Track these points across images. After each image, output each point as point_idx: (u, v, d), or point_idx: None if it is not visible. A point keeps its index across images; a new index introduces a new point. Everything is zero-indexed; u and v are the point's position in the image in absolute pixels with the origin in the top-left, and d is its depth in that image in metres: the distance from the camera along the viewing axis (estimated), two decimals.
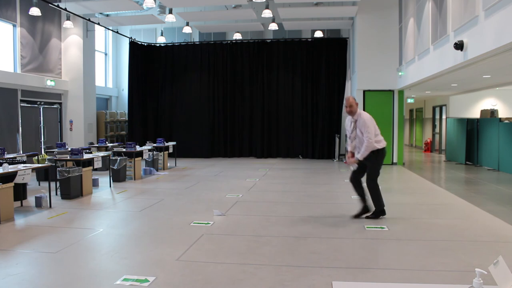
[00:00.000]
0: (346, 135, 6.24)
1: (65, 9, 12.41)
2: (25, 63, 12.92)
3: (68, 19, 13.49)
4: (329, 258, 4.44)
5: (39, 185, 9.52)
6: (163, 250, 4.72)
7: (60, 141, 14.00)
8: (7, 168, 6.59)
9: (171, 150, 13.37)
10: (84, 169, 8.23)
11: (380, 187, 6.07)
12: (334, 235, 5.32)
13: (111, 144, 13.05)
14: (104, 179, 10.05)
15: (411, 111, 24.22)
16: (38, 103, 13.60)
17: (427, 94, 17.34)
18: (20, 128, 12.68)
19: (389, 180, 10.51)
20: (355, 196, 5.84)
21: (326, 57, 15.86)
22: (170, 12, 13.01)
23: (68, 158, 8.51)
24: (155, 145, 12.55)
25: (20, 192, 7.36)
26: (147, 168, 11.59)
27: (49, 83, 13.60)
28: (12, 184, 6.49)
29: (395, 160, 13.65)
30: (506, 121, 12.01)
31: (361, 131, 5.79)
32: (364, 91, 13.65)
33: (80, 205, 7.33)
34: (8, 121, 12.18)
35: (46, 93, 13.82)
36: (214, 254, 4.56)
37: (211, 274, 3.97)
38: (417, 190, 8.85)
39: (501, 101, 17.11)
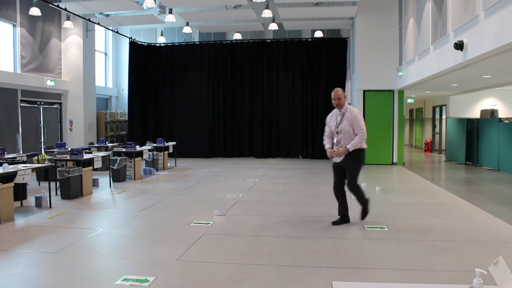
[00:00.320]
0: (325, 131, 5.91)
1: (65, 9, 12.41)
2: (25, 63, 12.92)
3: (68, 19, 13.48)
4: (329, 258, 4.44)
5: (39, 185, 9.53)
6: (163, 250, 4.72)
7: (60, 141, 14.00)
8: (7, 168, 6.60)
9: (171, 150, 13.38)
10: (84, 169, 8.24)
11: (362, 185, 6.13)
12: (334, 235, 5.32)
13: (111, 144, 13.05)
14: (104, 179, 10.05)
15: (411, 111, 24.21)
16: (38, 103, 13.59)
17: (427, 94, 17.34)
18: (20, 128, 12.68)
19: (389, 180, 10.52)
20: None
21: (326, 57, 15.86)
22: (170, 12, 13.01)
23: (68, 158, 8.51)
24: (155, 145, 12.55)
25: (20, 192, 7.37)
26: (147, 168, 11.60)
27: (49, 83, 13.60)
28: (12, 184, 6.49)
29: (395, 160, 13.65)
30: (506, 121, 12.01)
31: (351, 125, 5.61)
32: (364, 91, 13.65)
33: (80, 205, 7.33)
34: (8, 121, 12.18)
35: (46, 93, 13.82)
36: (214, 254, 4.56)
37: (211, 274, 3.97)
38: (417, 190, 8.85)
39: (501, 101, 17.11)
